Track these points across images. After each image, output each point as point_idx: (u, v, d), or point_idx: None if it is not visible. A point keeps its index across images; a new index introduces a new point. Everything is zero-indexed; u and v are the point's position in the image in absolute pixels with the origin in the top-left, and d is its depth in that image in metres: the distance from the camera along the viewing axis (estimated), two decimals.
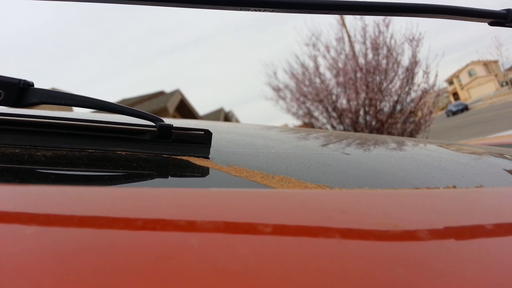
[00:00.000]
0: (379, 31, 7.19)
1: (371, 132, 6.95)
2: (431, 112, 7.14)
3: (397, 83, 7.15)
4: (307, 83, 7.72)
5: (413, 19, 7.34)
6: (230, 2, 0.46)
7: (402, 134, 6.92)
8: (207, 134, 0.52)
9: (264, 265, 0.21)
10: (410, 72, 7.02)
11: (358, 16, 7.35)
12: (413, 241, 0.26)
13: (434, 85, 7.13)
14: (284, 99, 8.19)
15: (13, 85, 0.48)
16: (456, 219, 0.31)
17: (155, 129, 0.50)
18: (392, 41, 7.13)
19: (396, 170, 0.57)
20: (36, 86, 0.51)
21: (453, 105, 36.00)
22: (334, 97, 7.46)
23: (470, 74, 50.70)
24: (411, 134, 6.97)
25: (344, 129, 7.28)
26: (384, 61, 7.09)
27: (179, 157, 0.50)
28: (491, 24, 0.54)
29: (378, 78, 7.02)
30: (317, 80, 7.65)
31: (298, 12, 0.49)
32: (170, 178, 0.46)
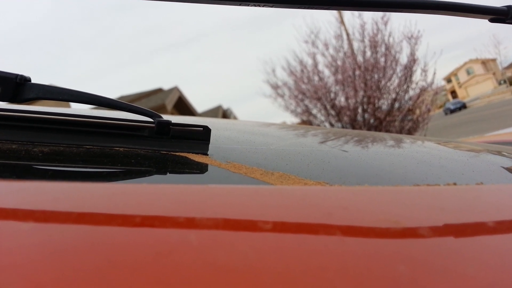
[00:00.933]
0: (378, 29, 7.20)
1: (369, 129, 6.96)
2: (429, 110, 7.16)
3: (395, 81, 7.17)
4: (305, 80, 7.73)
5: (412, 17, 7.35)
6: None
7: (400, 131, 6.94)
8: (206, 131, 0.52)
9: (264, 262, 0.20)
10: (408, 70, 7.04)
11: (356, 14, 7.36)
12: (414, 238, 0.25)
13: (432, 83, 7.15)
14: (282, 96, 8.20)
15: (10, 80, 0.48)
16: (457, 216, 0.31)
17: (154, 125, 0.49)
18: (391, 39, 7.15)
19: (396, 167, 0.57)
20: (33, 81, 0.50)
21: (451, 103, 36.13)
22: (332, 95, 7.47)
23: (468, 72, 50.81)
24: (409, 132, 6.99)
25: (343, 127, 7.29)
26: (382, 59, 7.11)
27: (177, 153, 0.50)
28: (491, 20, 0.54)
29: (376, 76, 7.03)
30: (316, 78, 7.66)
31: (297, 8, 0.49)
32: (168, 174, 0.45)
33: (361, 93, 6.99)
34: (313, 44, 7.71)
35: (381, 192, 0.37)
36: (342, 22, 7.80)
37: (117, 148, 0.49)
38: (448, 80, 52.82)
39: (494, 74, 47.91)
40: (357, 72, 7.07)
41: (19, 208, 0.27)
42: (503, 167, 0.65)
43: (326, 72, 7.64)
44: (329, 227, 0.26)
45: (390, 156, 0.66)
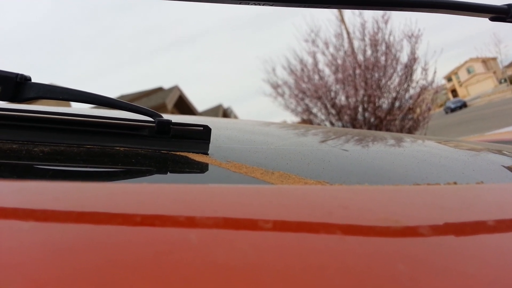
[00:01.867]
0: (378, 28, 7.18)
1: (369, 129, 6.96)
2: (429, 109, 7.15)
3: (395, 79, 7.16)
4: (305, 79, 7.72)
5: (412, 15, 7.34)
6: None
7: (400, 130, 6.93)
8: (206, 130, 0.52)
9: (264, 261, 0.20)
10: (408, 69, 7.03)
11: (357, 13, 7.35)
12: (414, 237, 0.25)
13: (432, 82, 7.14)
14: (282, 95, 8.18)
15: (10, 80, 0.48)
16: (457, 215, 0.31)
17: (154, 124, 0.49)
18: (391, 38, 7.13)
19: (396, 166, 0.57)
20: (33, 81, 0.50)
21: (451, 102, 36.07)
22: (332, 94, 7.46)
23: (468, 71, 50.74)
24: (410, 131, 6.98)
25: (343, 126, 7.28)
26: (383, 58, 7.09)
27: (178, 153, 0.50)
28: (492, 19, 0.54)
29: (376, 75, 7.02)
30: (316, 77, 7.65)
31: (297, 6, 0.49)
32: (169, 174, 0.45)
33: (361, 92, 6.98)
34: (313, 43, 7.70)
35: (382, 191, 0.37)
36: (342, 20, 7.79)
37: (118, 148, 0.49)
38: (449, 79, 52.75)
39: (494, 73, 47.84)
40: (358, 71, 7.06)
41: (19, 208, 0.27)
42: (504, 166, 0.65)
43: (327, 71, 7.64)
44: (329, 226, 0.26)
45: (391, 155, 0.66)
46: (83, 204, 0.27)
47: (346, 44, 7.59)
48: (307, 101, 7.79)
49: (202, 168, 0.46)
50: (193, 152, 0.50)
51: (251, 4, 0.47)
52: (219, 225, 0.25)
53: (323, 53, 7.63)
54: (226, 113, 20.88)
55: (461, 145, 0.89)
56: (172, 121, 0.50)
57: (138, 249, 0.21)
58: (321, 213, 0.28)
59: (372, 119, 7.12)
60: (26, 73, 0.49)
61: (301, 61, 7.84)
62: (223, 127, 0.82)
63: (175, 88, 14.99)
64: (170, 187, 0.34)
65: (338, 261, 0.21)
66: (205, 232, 0.23)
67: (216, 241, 0.22)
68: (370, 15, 7.32)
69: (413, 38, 6.94)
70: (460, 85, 50.70)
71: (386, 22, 7.14)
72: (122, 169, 0.44)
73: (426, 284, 0.20)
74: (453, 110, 34.03)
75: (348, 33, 7.66)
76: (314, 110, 7.82)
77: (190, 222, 0.25)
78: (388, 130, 6.85)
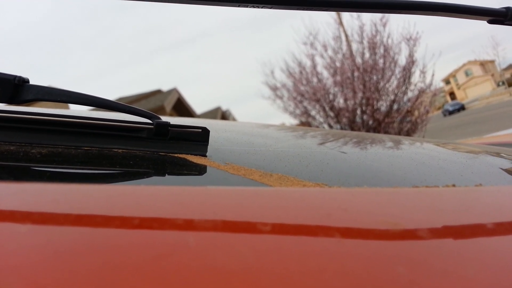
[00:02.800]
0: (376, 30, 7.20)
1: (368, 131, 6.96)
2: (427, 112, 7.17)
3: (394, 82, 7.17)
4: (304, 82, 7.73)
5: (410, 18, 7.36)
6: None
7: (399, 133, 6.94)
8: (205, 132, 0.52)
9: (263, 264, 0.20)
10: (407, 72, 7.04)
11: (355, 15, 7.37)
12: (413, 239, 0.25)
13: (431, 84, 7.15)
14: (281, 98, 8.19)
15: (8, 82, 0.48)
16: (456, 217, 0.31)
17: (152, 126, 0.49)
18: (389, 41, 7.15)
19: (395, 168, 0.57)
20: (32, 82, 0.50)
21: (449, 105, 36.16)
22: (331, 96, 7.47)
23: (466, 74, 50.86)
24: (408, 134, 6.99)
25: (341, 128, 7.29)
26: (381, 61, 7.11)
27: (176, 154, 0.50)
28: (490, 22, 0.54)
29: (375, 78, 7.03)
30: (315, 79, 7.66)
31: (296, 9, 0.49)
32: (167, 176, 0.45)
33: (359, 94, 6.99)
34: (312, 45, 7.72)
35: (380, 193, 0.37)
36: (340, 23, 7.81)
37: (116, 150, 0.49)
38: (447, 81, 52.86)
39: (492, 75, 47.97)
40: (356, 74, 7.08)
41: (17, 210, 0.27)
42: (502, 169, 0.65)
43: (325, 74, 7.65)
44: (328, 228, 0.26)
45: (389, 158, 0.66)
46: (81, 206, 0.27)
47: (344, 47, 7.61)
48: (305, 103, 7.80)
49: (200, 170, 0.46)
50: (191, 154, 0.50)
51: (250, 7, 0.47)
52: (217, 227, 0.24)
53: (322, 56, 7.65)
54: (224, 116, 20.87)
55: (459, 148, 0.89)
56: (171, 123, 0.50)
57: (136, 252, 0.21)
58: (319, 215, 0.28)
59: (370, 122, 7.13)
60: (26, 73, 0.49)
61: (300, 64, 7.86)
62: (222, 129, 0.82)
63: (174, 91, 14.98)
64: (168, 189, 0.34)
65: (337, 263, 0.21)
66: (203, 234, 0.23)
67: (214, 243, 0.22)
68: (369, 18, 7.34)
69: (411, 40, 6.96)
70: (458, 88, 50.82)
71: (384, 25, 7.17)
72: (120, 171, 0.44)
73: (425, 286, 0.20)
74: (451, 112, 34.11)
75: (346, 35, 7.68)
76: (313, 113, 7.83)
77: (188, 224, 0.25)
78: (386, 132, 6.86)
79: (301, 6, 0.48)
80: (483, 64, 49.58)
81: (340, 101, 7.44)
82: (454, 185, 0.45)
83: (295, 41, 7.98)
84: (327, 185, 0.42)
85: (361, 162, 0.59)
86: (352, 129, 7.15)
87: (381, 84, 7.07)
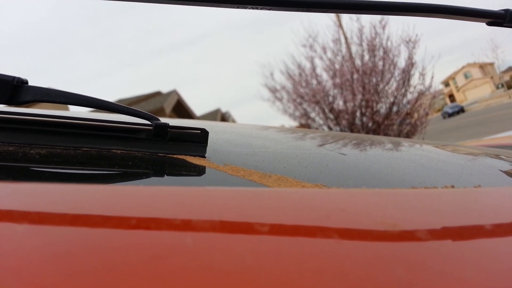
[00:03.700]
0: (376, 33, 7.22)
1: (367, 133, 6.97)
2: (427, 114, 7.17)
3: (393, 84, 7.18)
4: (303, 84, 7.74)
5: (410, 20, 7.38)
6: (227, 0, 0.46)
7: (398, 135, 6.95)
8: (204, 133, 0.52)
9: (261, 265, 0.20)
10: (406, 74, 7.05)
11: (354, 18, 7.38)
12: (412, 241, 0.25)
13: (430, 86, 7.16)
14: (280, 100, 8.20)
15: (7, 83, 0.48)
16: (455, 218, 0.31)
17: (151, 127, 0.49)
18: (389, 43, 7.17)
19: (394, 170, 0.57)
20: (31, 83, 0.50)
21: (449, 107, 36.22)
22: (330, 99, 7.48)
23: (466, 76, 50.92)
24: (407, 136, 7.00)
25: (341, 130, 7.29)
26: (380, 63, 7.12)
27: (175, 156, 0.50)
28: (489, 24, 0.54)
29: (374, 80, 7.05)
30: (314, 81, 7.67)
31: (295, 11, 0.49)
32: (166, 177, 0.45)
33: (359, 96, 7.00)
34: (311, 47, 7.73)
35: (379, 194, 0.37)
36: (340, 25, 7.83)
37: (115, 151, 0.49)
38: (446, 84, 52.91)
39: (492, 78, 48.02)
40: (355, 76, 7.09)
41: (16, 210, 0.27)
42: (501, 171, 0.65)
43: (324, 76, 7.66)
44: (326, 229, 0.26)
45: (388, 159, 0.66)
46: (80, 207, 0.27)
47: (344, 49, 7.62)
48: (305, 105, 7.80)
49: (199, 171, 0.46)
50: (190, 155, 0.50)
51: (249, 8, 0.47)
52: (216, 228, 0.24)
53: (321, 58, 7.66)
54: (224, 117, 20.88)
55: (458, 150, 0.89)
56: (170, 124, 0.50)
57: (135, 252, 0.21)
58: (318, 216, 0.28)
59: (370, 124, 7.14)
60: (26, 74, 0.49)
61: (299, 66, 7.87)
62: (221, 130, 0.82)
63: (174, 93, 14.99)
64: (167, 190, 0.34)
65: (336, 264, 0.21)
66: (203, 235, 0.23)
67: (214, 244, 0.22)
68: (368, 20, 7.36)
69: (411, 43, 6.97)
70: (458, 90, 50.88)
71: (383, 27, 7.18)
72: (119, 172, 0.44)
73: None
74: (450, 115, 34.16)
75: (345, 38, 7.69)
76: (312, 115, 7.84)
77: (187, 225, 0.25)
78: (386, 134, 6.87)
79: (300, 7, 0.48)
80: (482, 66, 49.66)
81: (339, 103, 7.45)
82: (453, 187, 0.45)
83: (294, 43, 7.99)
84: (326, 186, 0.42)
85: (360, 164, 0.59)
86: (352, 131, 7.16)
87: (381, 86, 7.08)
